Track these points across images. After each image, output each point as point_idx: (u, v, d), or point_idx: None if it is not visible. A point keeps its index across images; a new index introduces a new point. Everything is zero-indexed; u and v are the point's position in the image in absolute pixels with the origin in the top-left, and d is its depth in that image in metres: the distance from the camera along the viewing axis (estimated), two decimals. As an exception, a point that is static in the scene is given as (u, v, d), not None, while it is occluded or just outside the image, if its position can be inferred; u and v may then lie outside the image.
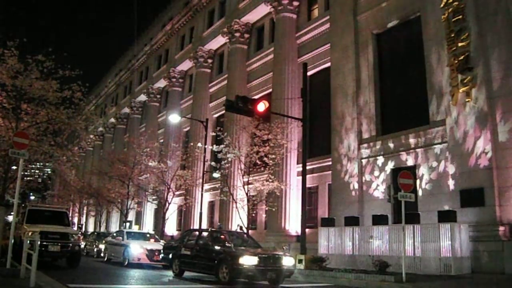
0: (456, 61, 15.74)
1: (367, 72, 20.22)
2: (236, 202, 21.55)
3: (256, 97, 25.11)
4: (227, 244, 12.41)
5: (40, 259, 10.29)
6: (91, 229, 50.58)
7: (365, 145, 19.54)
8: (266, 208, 22.52)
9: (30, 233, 11.45)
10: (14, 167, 16.66)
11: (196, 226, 27.28)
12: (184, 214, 32.84)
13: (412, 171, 15.98)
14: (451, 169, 15.74)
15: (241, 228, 21.49)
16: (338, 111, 20.83)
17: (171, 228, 33.98)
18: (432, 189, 16.71)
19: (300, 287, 12.33)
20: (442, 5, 16.61)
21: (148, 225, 38.41)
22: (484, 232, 14.01)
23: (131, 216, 37.94)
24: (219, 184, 25.97)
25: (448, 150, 16.15)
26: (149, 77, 46.55)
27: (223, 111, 27.84)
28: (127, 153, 34.95)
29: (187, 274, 13.57)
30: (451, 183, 15.69)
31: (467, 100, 15.34)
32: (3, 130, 16.70)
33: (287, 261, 11.96)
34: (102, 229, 41.23)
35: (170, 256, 14.55)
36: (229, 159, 22.05)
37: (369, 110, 19.80)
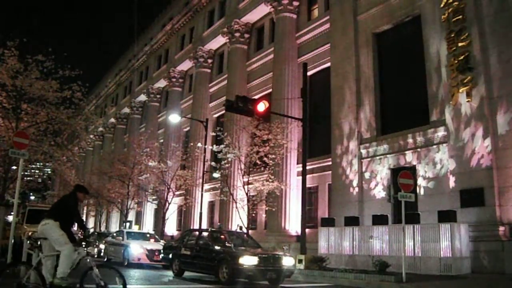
0: (456, 61, 15.73)
1: (367, 72, 20.23)
2: (236, 202, 21.56)
3: (256, 97, 25.05)
4: (227, 244, 12.42)
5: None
6: (91, 229, 50.55)
7: (365, 145, 19.54)
8: (266, 208, 22.50)
9: (30, 233, 11.43)
10: (14, 167, 16.68)
11: (196, 226, 27.26)
12: (184, 214, 32.82)
13: (412, 171, 16.00)
14: (451, 169, 15.73)
15: (241, 228, 21.48)
16: (338, 111, 20.83)
17: (171, 228, 33.96)
18: (432, 189, 16.72)
19: (300, 287, 12.33)
20: (442, 5, 16.60)
21: (148, 225, 38.39)
22: (484, 232, 14.00)
23: (131, 216, 37.96)
24: (219, 184, 25.94)
25: (448, 150, 16.15)
26: (149, 77, 46.53)
27: (223, 111, 27.82)
28: (127, 153, 34.94)
29: (187, 274, 13.57)
30: (451, 183, 15.67)
31: (467, 100, 15.33)
32: (3, 130, 16.73)
33: (287, 261, 11.96)
34: (102, 229, 41.24)
35: (170, 256, 14.53)
36: (229, 159, 22.06)
37: (369, 110, 19.80)
